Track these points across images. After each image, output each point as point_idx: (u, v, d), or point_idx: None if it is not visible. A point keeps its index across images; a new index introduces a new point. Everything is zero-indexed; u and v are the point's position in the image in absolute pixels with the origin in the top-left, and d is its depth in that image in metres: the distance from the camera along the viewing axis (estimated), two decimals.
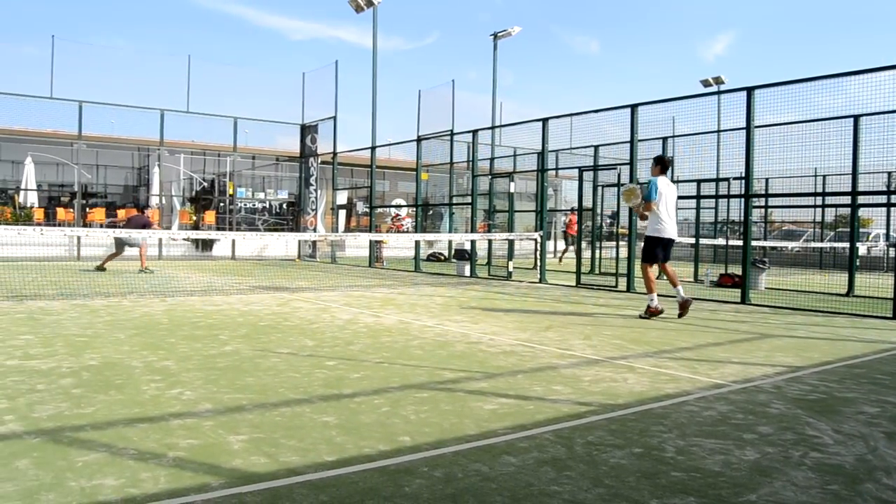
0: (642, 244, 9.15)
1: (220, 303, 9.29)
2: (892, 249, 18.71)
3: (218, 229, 22.80)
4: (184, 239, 20.39)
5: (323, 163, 22.67)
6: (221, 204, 25.18)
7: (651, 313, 8.67)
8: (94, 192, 27.14)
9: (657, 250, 8.87)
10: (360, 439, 3.47)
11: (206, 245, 21.67)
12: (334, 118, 21.04)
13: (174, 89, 22.16)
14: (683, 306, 8.73)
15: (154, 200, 23.31)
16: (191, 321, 7.49)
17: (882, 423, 4.03)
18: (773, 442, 3.61)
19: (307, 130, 22.61)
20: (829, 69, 11.96)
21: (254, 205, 27.78)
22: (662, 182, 8.88)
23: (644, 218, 9.17)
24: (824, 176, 17.18)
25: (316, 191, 22.45)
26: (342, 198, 25.90)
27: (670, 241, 8.99)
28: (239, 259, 21.24)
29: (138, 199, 27.26)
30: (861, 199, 13.87)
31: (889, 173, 14.02)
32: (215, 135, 24.73)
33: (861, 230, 20.22)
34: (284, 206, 27.77)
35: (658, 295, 8.75)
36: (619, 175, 14.10)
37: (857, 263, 14.31)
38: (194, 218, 23.71)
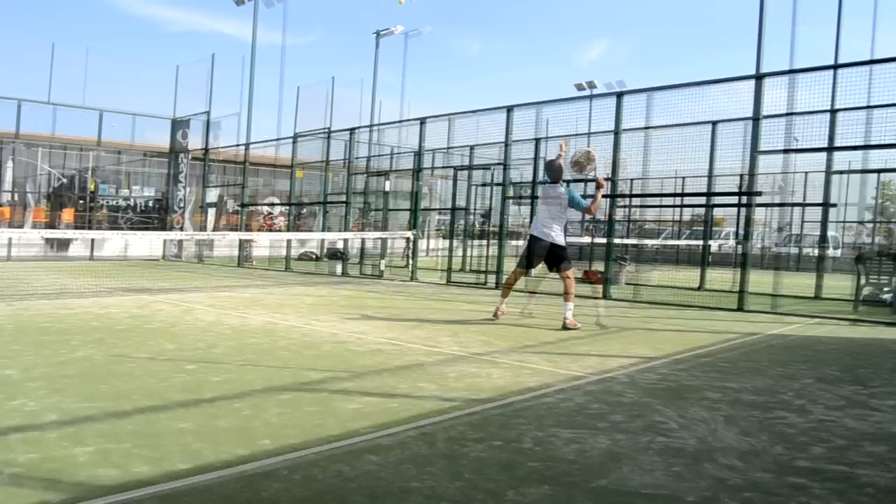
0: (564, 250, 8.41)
1: (73, 306, 8.78)
2: (740, 247, 20.03)
3: (76, 228, 21.53)
4: (44, 238, 19.13)
5: (194, 159, 21.88)
6: (81, 201, 23.79)
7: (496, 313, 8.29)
8: None
9: (528, 253, 8.43)
10: (217, 445, 3.37)
11: (63, 245, 20.41)
12: (208, 113, 20.36)
13: (35, 78, 20.85)
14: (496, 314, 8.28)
15: (6, 197, 21.74)
16: (39, 326, 7.03)
17: (722, 408, 4.31)
18: (625, 429, 3.79)
19: (178, 125, 21.74)
20: (693, 78, 12.71)
21: (117, 202, 26.40)
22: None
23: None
24: (684, 178, 18.21)
25: (185, 188, 21.64)
26: (213, 196, 25.07)
27: (542, 245, 8.26)
28: (98, 260, 20.13)
29: None
30: (715, 200, 14.80)
31: (741, 176, 15.02)
32: (78, 128, 23.35)
33: (714, 229, 21.58)
34: (151, 203, 26.56)
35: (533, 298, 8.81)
36: (492, 175, 14.41)
37: (710, 260, 15.27)
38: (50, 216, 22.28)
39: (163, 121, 22.31)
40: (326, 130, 18.06)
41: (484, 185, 15.18)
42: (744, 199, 14.97)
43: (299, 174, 19.99)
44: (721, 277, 13.61)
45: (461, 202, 15.60)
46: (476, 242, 16.80)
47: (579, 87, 30.56)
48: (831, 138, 12.07)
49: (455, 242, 15.89)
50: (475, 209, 16.76)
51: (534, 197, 18.37)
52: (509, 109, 12.89)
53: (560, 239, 8.16)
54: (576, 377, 5.14)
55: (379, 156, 20.68)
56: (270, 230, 24.13)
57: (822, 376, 5.45)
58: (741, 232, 18.98)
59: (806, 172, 16.67)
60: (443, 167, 19.39)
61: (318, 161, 19.46)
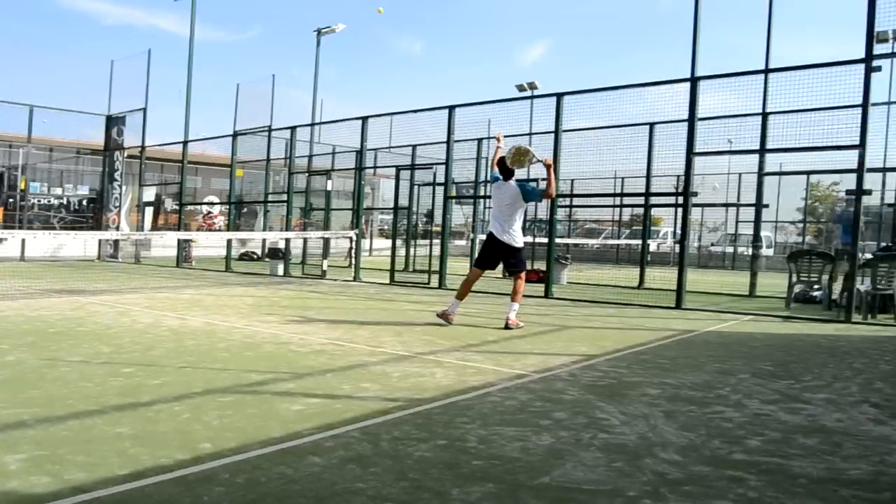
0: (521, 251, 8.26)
1: (3, 308, 8.46)
2: (677, 246, 20.50)
3: (6, 228, 20.76)
4: None
5: (130, 157, 21.31)
6: (11, 200, 22.94)
7: (444, 315, 7.94)
8: None
9: (484, 252, 8.23)
10: (156, 449, 3.29)
11: None
12: (144, 110, 19.85)
13: None
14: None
15: None
16: None
17: (662, 404, 4.40)
18: (567, 426, 3.84)
19: (113, 122, 21.13)
20: (632, 80, 12.92)
21: (49, 201, 25.54)
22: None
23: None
24: (623, 178, 18.54)
25: (121, 186, 21.07)
26: (150, 194, 24.50)
27: (499, 245, 8.04)
28: (29, 260, 19.45)
29: None
30: (653, 200, 15.11)
31: (678, 176, 15.38)
32: (7, 124, 22.48)
33: (653, 228, 22.03)
34: (85, 202, 25.77)
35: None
36: (434, 175, 14.42)
37: (648, 259, 15.59)
38: None
39: (97, 117, 21.68)
40: (267, 128, 17.82)
41: (426, 184, 15.18)
42: (680, 200, 15.39)
43: (239, 173, 19.69)
44: (660, 276, 13.90)
45: (404, 202, 15.57)
46: (420, 242, 16.79)
47: (520, 88, 30.80)
48: (763, 140, 12.46)
49: (398, 242, 15.86)
50: (418, 209, 16.75)
51: (476, 196, 18.54)
52: (451, 109, 12.92)
53: (519, 240, 8.04)
54: (519, 375, 5.18)
55: (320, 155, 20.53)
56: (210, 230, 23.70)
57: (757, 371, 5.61)
58: (678, 232, 19.50)
59: (740, 174, 17.15)
60: (385, 166, 19.37)
61: (259, 160, 19.20)
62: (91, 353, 5.67)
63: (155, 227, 25.05)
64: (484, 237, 8.67)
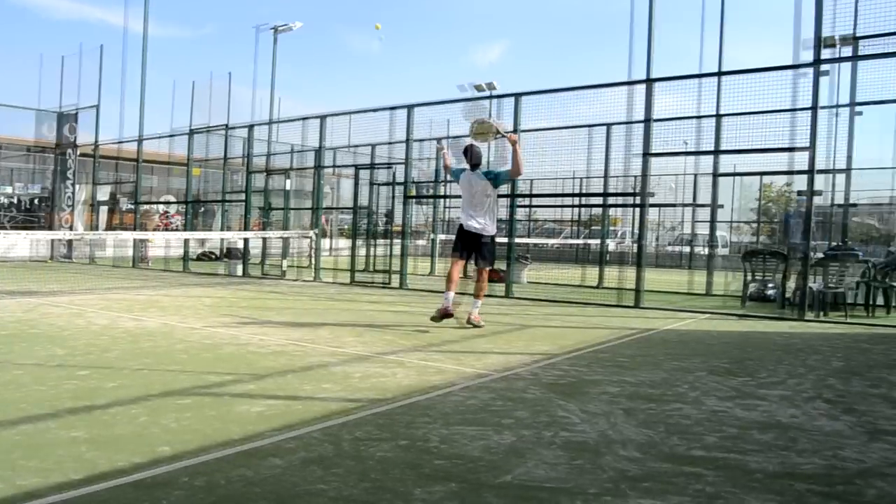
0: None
1: None
2: (636, 245, 20.75)
3: None
4: None
5: (83, 155, 20.84)
6: None
7: (442, 313, 7.60)
8: None
9: (457, 241, 8.02)
10: (113, 453, 3.23)
11: None
12: (97, 107, 19.44)
13: None
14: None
15: None
16: None
17: (621, 401, 4.45)
18: (529, 425, 3.86)
19: (65, 119, 20.65)
20: (589, 81, 13.02)
21: None
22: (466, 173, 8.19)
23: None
24: (581, 178, 18.69)
25: (73, 185, 20.60)
26: (104, 193, 23.99)
27: (469, 234, 7.91)
28: None
29: None
30: (611, 200, 15.27)
31: (635, 177, 15.57)
32: None
33: (611, 228, 22.29)
34: (37, 201, 25.12)
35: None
36: (393, 174, 14.39)
37: (608, 258, 15.76)
38: None
39: (48, 114, 21.14)
40: (225, 126, 17.59)
41: (386, 184, 15.14)
42: (637, 200, 15.60)
43: (196, 172, 19.40)
44: (618, 275, 14.06)
45: (364, 201, 15.51)
46: (380, 242, 16.73)
47: (479, 89, 30.88)
48: (717, 142, 12.67)
49: (359, 242, 15.79)
50: (378, 208, 16.69)
51: (436, 196, 18.54)
52: (410, 108, 12.91)
53: (491, 228, 7.91)
54: (480, 375, 5.19)
55: (279, 154, 20.33)
56: (167, 229, 23.30)
57: (714, 369, 5.71)
58: (636, 231, 19.75)
59: (695, 174, 17.41)
60: (344, 166, 19.26)
61: (217, 158, 18.95)
62: (45, 356, 5.54)
63: (110, 227, 24.54)
64: (443, 237, 8.70)
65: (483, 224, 7.85)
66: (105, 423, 3.74)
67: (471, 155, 7.99)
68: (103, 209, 23.92)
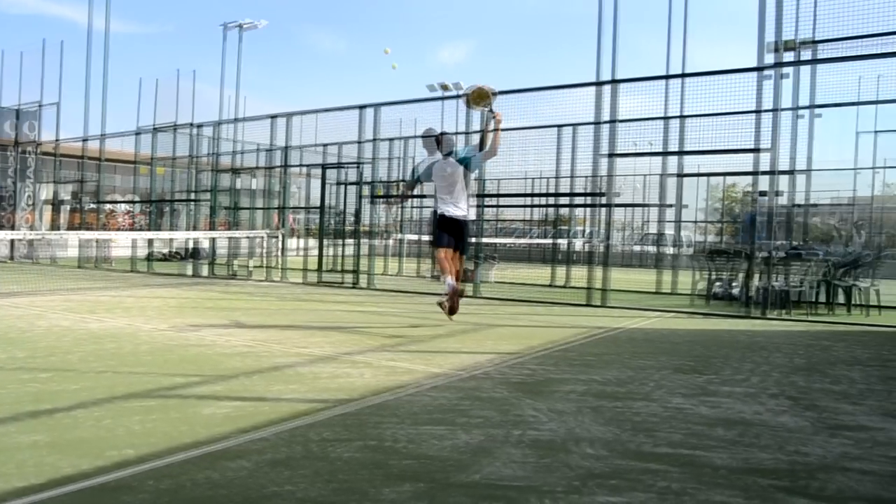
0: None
1: None
2: (601, 245, 20.92)
3: None
4: None
5: (44, 153, 20.44)
6: None
7: (451, 296, 7.57)
8: None
9: (441, 231, 7.93)
10: (76, 457, 3.16)
11: None
12: (58, 104, 19.09)
13: None
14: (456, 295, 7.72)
15: None
16: None
17: (588, 400, 4.48)
18: (497, 424, 3.87)
19: (24, 117, 20.23)
20: (554, 82, 13.17)
21: None
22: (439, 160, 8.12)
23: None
24: (548, 178, 18.79)
25: (34, 184, 20.20)
26: (66, 192, 23.56)
27: (452, 221, 7.89)
28: None
29: None
30: (577, 200, 15.37)
31: (601, 177, 15.68)
32: None
33: (577, 228, 22.43)
34: None
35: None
36: (360, 173, 14.33)
37: (574, 258, 15.87)
38: None
39: (7, 111, 20.69)
40: (189, 125, 17.37)
41: (352, 183, 15.07)
42: (603, 200, 15.73)
43: (160, 170, 19.14)
44: (584, 275, 14.15)
45: (331, 201, 15.43)
46: (348, 241, 16.64)
47: (445, 88, 30.88)
48: (682, 142, 12.83)
49: (325, 241, 15.70)
50: (345, 207, 16.61)
51: (403, 196, 18.50)
52: (376, 107, 12.89)
53: (472, 213, 8.00)
54: (447, 374, 5.19)
55: (246, 152, 20.14)
56: (130, 229, 22.95)
57: (679, 367, 5.78)
58: (602, 231, 19.92)
59: (660, 174, 17.59)
60: (311, 165, 19.13)
61: (182, 157, 18.70)
62: (4, 359, 5.42)
63: (72, 227, 24.10)
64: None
65: (464, 210, 7.90)
66: (68, 426, 3.67)
67: (443, 143, 8.01)
68: (64, 208, 23.51)
